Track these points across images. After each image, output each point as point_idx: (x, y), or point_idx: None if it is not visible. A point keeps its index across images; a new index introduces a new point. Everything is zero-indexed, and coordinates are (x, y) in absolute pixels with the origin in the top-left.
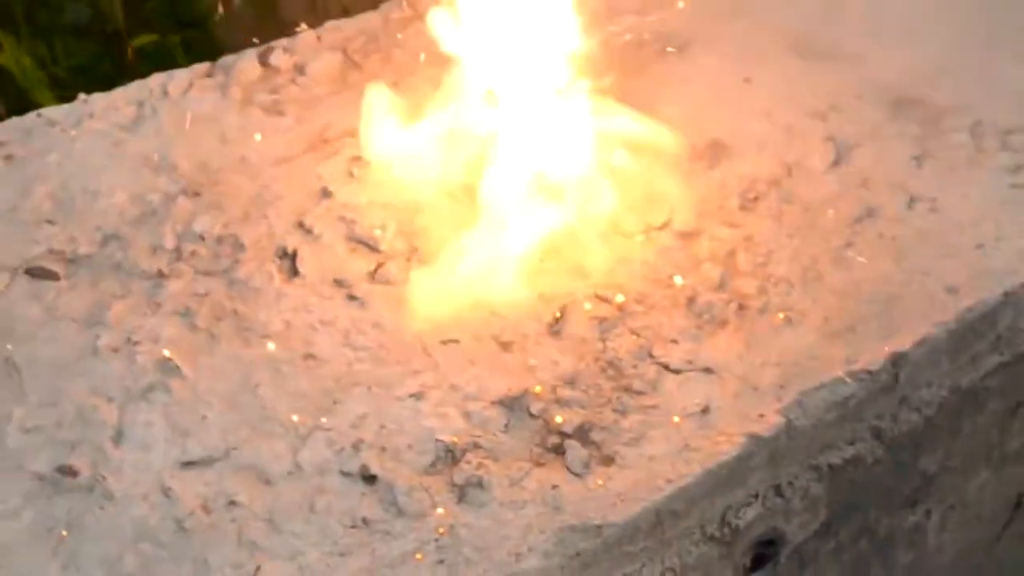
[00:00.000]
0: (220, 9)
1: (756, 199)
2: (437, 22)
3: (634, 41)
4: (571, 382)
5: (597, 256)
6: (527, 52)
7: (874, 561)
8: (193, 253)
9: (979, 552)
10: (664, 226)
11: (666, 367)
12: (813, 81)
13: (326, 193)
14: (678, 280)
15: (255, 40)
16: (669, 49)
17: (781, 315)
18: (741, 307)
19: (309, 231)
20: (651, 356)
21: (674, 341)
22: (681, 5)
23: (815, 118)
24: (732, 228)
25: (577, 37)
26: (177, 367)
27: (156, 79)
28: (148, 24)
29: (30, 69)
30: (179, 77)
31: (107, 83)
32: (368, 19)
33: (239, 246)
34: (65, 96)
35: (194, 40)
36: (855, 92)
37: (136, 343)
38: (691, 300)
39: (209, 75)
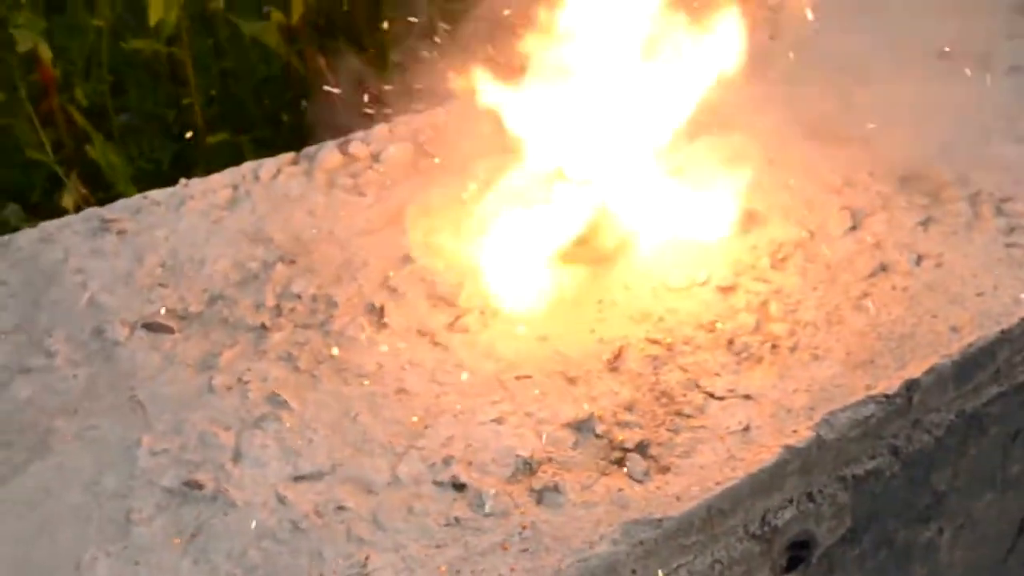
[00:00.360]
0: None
1: (784, 259)
2: (505, 111)
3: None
4: (629, 408)
5: (649, 306)
6: (590, 134)
7: (893, 572)
8: (292, 310)
9: (987, 572)
10: (706, 282)
11: (711, 395)
12: (829, 161)
13: (407, 259)
14: (719, 325)
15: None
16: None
17: (809, 352)
18: (774, 346)
19: (394, 290)
20: (698, 386)
21: (717, 374)
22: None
23: (832, 192)
24: (764, 283)
25: (631, 123)
26: (285, 401)
27: (247, 166)
28: (215, 125)
29: (118, 163)
30: (268, 164)
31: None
32: (435, 114)
33: (332, 303)
34: (146, 189)
35: (263, 139)
36: (866, 169)
37: (247, 382)
38: (731, 342)
39: (295, 163)
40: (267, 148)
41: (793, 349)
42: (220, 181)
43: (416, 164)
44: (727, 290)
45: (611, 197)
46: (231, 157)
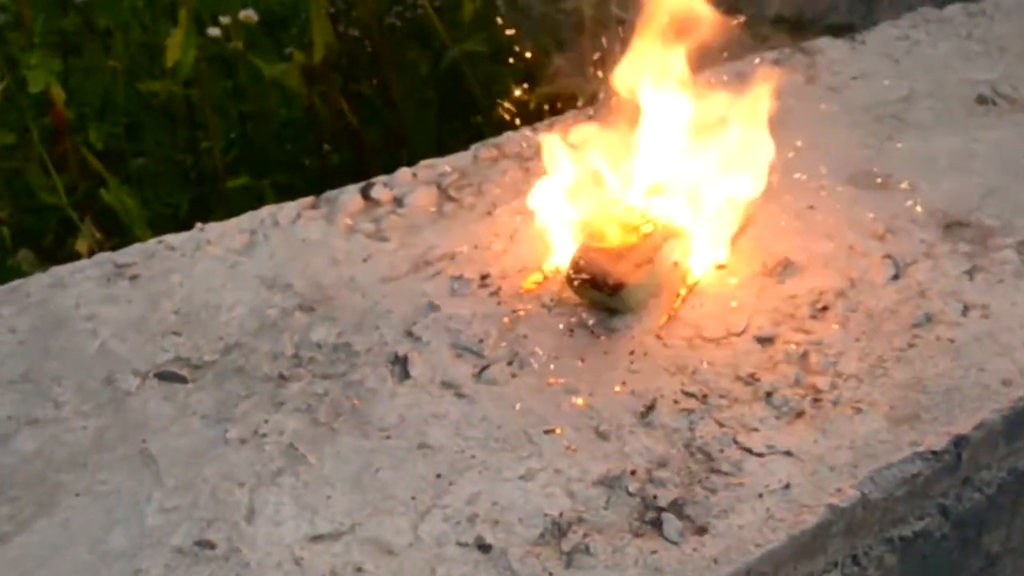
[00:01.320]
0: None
1: (825, 308)
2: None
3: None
4: (664, 465)
5: (684, 357)
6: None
7: None
8: (311, 359)
9: None
10: (743, 332)
11: (749, 451)
12: (870, 207)
13: (432, 307)
14: (758, 377)
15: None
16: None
17: (851, 406)
18: (815, 400)
19: (418, 339)
20: (735, 442)
21: (755, 429)
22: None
23: (874, 239)
24: (804, 334)
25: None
26: (303, 455)
27: (266, 210)
28: (234, 169)
29: (133, 208)
30: (288, 208)
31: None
32: (458, 159)
33: (353, 353)
34: (162, 234)
35: (284, 183)
36: (909, 217)
37: (263, 435)
38: (769, 395)
39: (314, 207)
40: (288, 193)
41: (835, 403)
42: (237, 225)
43: (440, 208)
44: (765, 341)
45: (640, 252)
46: (251, 202)
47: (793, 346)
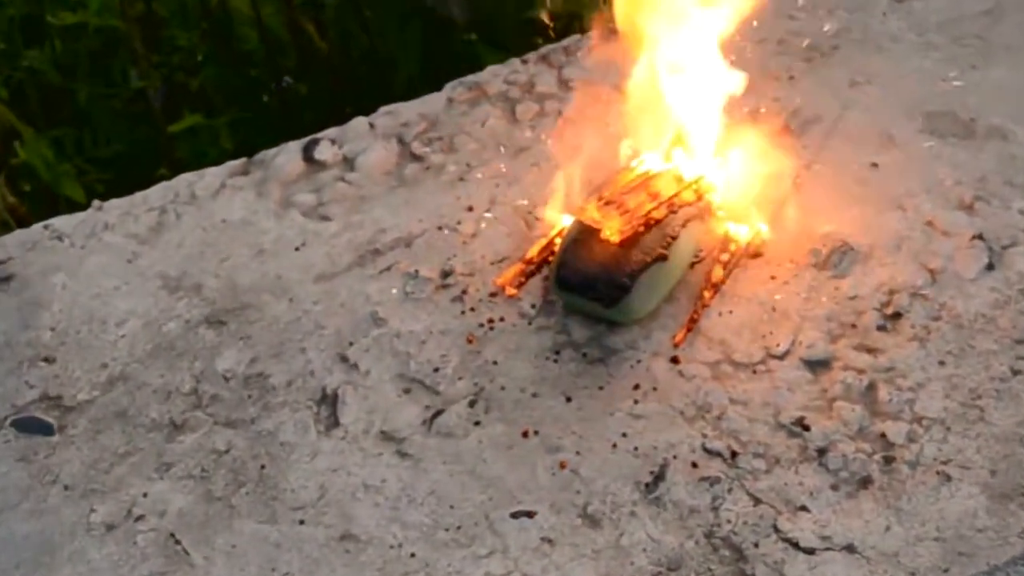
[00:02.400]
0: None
1: (897, 316)
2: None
3: (750, 117)
4: (675, 568)
5: (706, 393)
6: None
7: None
8: (214, 398)
9: None
10: (787, 353)
11: (795, 544)
12: (952, 164)
13: (377, 319)
14: (806, 423)
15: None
16: (790, 125)
17: (937, 470)
18: (887, 460)
19: (354, 367)
20: (776, 530)
21: (803, 508)
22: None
23: (958, 210)
24: (869, 354)
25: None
26: (185, 552)
27: (183, 180)
28: (201, 100)
29: (53, 161)
30: (209, 177)
31: (145, 174)
32: (428, 102)
33: (269, 388)
34: (97, 192)
35: (243, 122)
36: (1004, 177)
37: (138, 518)
38: (823, 452)
39: (244, 172)
40: (246, 134)
41: (914, 465)
42: (145, 202)
43: (401, 172)
44: (817, 366)
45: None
46: (203, 147)
47: (854, 374)
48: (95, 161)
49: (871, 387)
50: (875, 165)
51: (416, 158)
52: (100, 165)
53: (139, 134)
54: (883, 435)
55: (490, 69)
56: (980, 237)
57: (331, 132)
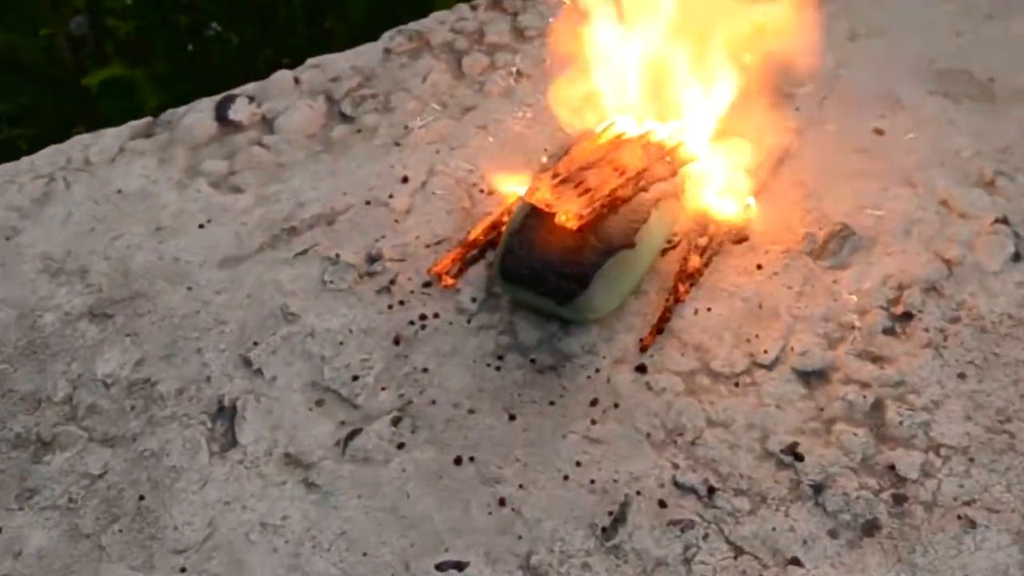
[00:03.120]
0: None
1: (907, 316)
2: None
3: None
4: None
5: (676, 411)
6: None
7: None
8: (91, 408)
9: None
10: (776, 362)
11: None
12: (968, 130)
13: (288, 314)
14: (800, 454)
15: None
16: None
17: (957, 513)
18: (897, 500)
19: (258, 372)
20: None
21: (795, 562)
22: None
23: (978, 188)
24: (875, 364)
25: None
26: None
27: (76, 142)
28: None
29: None
30: (107, 138)
31: (59, 131)
32: (362, 54)
33: (156, 398)
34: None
35: (166, 76)
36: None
37: None
38: (819, 488)
39: (148, 134)
40: (176, 90)
41: (930, 507)
42: (32, 168)
43: (326, 136)
44: (812, 378)
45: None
46: (123, 102)
47: (857, 389)
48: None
49: (877, 406)
50: (879, 132)
51: (346, 119)
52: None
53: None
54: (892, 467)
55: (435, 15)
56: (1004, 221)
57: (249, 88)
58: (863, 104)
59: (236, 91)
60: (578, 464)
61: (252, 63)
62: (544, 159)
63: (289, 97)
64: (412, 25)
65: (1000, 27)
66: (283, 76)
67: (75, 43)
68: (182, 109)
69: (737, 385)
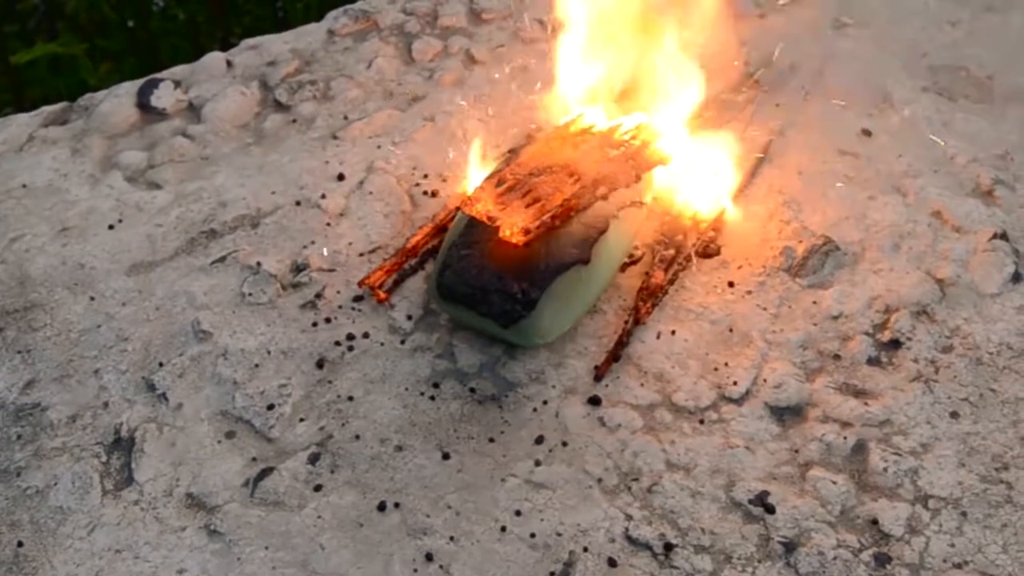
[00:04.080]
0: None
1: (895, 344)
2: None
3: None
4: None
5: (636, 454)
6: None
7: None
8: None
9: None
10: (747, 395)
11: None
12: (964, 136)
13: (199, 331)
14: (771, 505)
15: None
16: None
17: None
18: (879, 561)
19: (162, 398)
20: None
21: None
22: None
23: (974, 197)
24: (857, 399)
25: None
26: None
27: None
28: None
29: None
30: (17, 124)
31: None
32: (303, 34)
33: (46, 426)
34: None
35: (107, 51)
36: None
37: None
38: (791, 546)
39: (62, 121)
40: (117, 66)
41: (916, 570)
42: None
43: (258, 126)
44: (787, 415)
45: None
46: (62, 81)
47: (837, 429)
48: None
49: (859, 449)
50: (866, 132)
51: (280, 107)
52: None
53: None
54: (875, 521)
55: None
56: (1003, 236)
57: (177, 71)
58: (849, 101)
59: (161, 75)
60: (518, 513)
61: (201, 44)
62: (496, 158)
63: (220, 82)
64: (360, 4)
65: (999, 19)
66: (214, 58)
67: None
68: (101, 93)
69: (702, 422)
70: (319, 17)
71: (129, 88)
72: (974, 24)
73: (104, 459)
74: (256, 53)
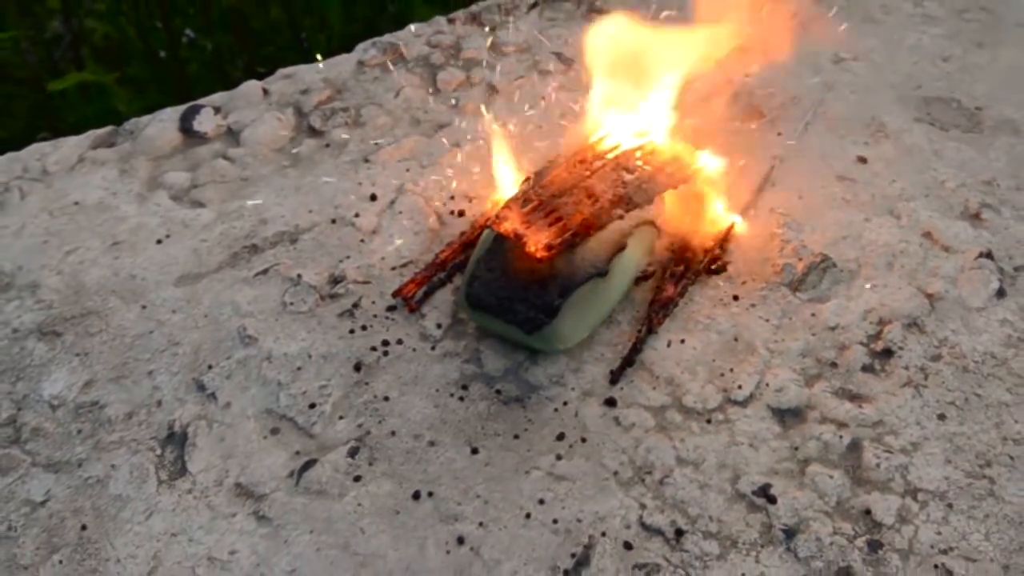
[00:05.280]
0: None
1: (887, 353)
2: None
3: (714, 97)
4: None
5: (649, 449)
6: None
7: None
8: (36, 431)
9: None
10: (751, 398)
11: None
12: (954, 161)
13: (245, 337)
14: (772, 495)
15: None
16: (761, 108)
17: (936, 562)
18: (872, 546)
19: (212, 397)
20: None
21: None
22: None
23: (962, 220)
24: (852, 403)
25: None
26: None
27: (34, 150)
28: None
29: None
30: (67, 147)
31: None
32: (335, 65)
33: (104, 422)
34: None
35: (139, 80)
36: (1017, 180)
37: None
38: (792, 533)
39: (110, 143)
40: (143, 93)
41: (906, 555)
42: None
43: (293, 150)
44: (787, 416)
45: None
46: (95, 109)
47: (833, 429)
48: None
49: (854, 446)
50: (862, 160)
51: (314, 132)
52: None
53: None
54: (868, 512)
55: (411, 28)
56: (988, 255)
57: (216, 98)
58: (847, 130)
59: (202, 101)
60: (541, 502)
61: (226, 71)
62: (519, 181)
63: (257, 108)
64: (387, 37)
65: (989, 54)
66: (251, 87)
67: (49, 46)
68: (146, 118)
69: (709, 422)
70: (340, 47)
71: (172, 114)
72: (965, 59)
73: (159, 452)
74: (291, 82)
